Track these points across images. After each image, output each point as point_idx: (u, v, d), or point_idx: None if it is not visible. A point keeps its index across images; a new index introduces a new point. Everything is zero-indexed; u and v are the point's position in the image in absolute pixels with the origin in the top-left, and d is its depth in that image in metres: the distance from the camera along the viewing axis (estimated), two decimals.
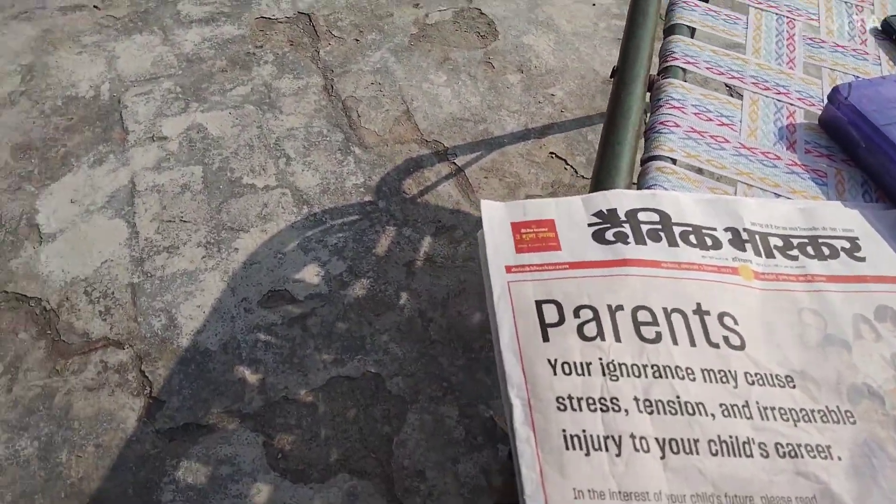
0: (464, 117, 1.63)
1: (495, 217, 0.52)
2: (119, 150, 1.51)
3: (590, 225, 0.51)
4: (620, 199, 0.53)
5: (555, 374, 0.42)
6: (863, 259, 0.54)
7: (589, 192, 0.56)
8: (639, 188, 0.60)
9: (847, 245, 0.54)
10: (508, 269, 0.48)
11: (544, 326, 0.44)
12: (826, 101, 0.66)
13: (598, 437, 0.40)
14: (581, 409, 0.41)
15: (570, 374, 0.42)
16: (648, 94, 0.72)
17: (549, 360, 0.43)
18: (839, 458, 0.41)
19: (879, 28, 0.80)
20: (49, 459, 1.06)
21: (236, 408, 1.12)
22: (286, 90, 1.67)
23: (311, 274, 1.29)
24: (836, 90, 0.65)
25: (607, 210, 0.52)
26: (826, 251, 0.53)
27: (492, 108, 1.65)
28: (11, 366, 1.16)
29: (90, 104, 1.61)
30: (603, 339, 0.44)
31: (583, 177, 1.53)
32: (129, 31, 1.80)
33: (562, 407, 0.41)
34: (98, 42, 1.77)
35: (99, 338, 1.20)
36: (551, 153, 1.57)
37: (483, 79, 1.73)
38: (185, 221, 1.38)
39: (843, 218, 0.56)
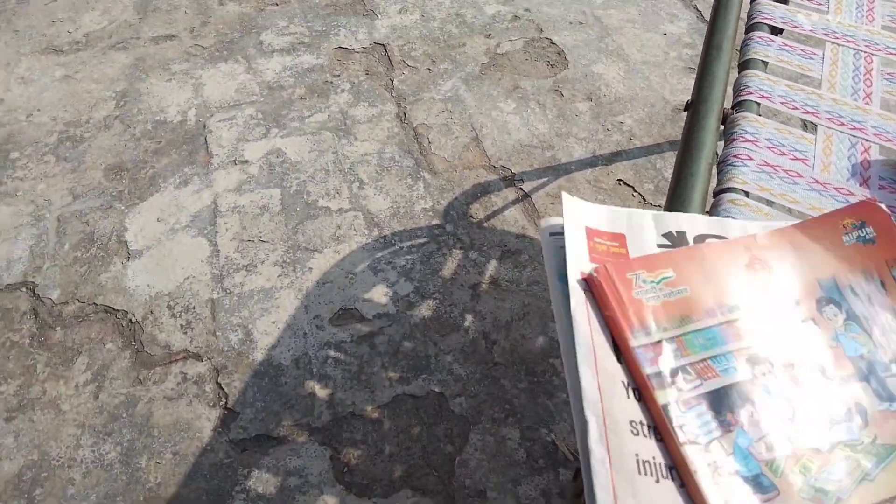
0: (532, 144, 1.65)
1: (574, 215, 0.51)
2: (203, 173, 1.59)
3: (659, 246, 0.52)
4: (692, 223, 0.54)
5: (628, 397, 0.43)
6: None
7: None
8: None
9: None
10: (585, 276, 0.48)
11: (616, 347, 0.45)
12: None
13: (666, 465, 0.41)
14: (650, 436, 0.42)
15: (640, 399, 0.44)
16: (722, 127, 0.72)
17: (622, 382, 0.44)
18: None
19: None
20: (130, 464, 1.12)
21: (306, 421, 1.16)
22: (361, 117, 1.73)
23: (379, 294, 1.33)
24: None
25: (677, 232, 0.53)
26: None
27: (560, 135, 1.67)
28: (98, 374, 1.23)
29: (177, 129, 1.71)
30: None
31: (651, 203, 1.52)
32: (215, 60, 1.91)
33: (634, 432, 0.42)
34: (186, 70, 1.87)
35: (179, 350, 1.27)
36: (619, 180, 1.57)
37: (552, 107, 1.75)
38: (263, 241, 1.44)
39: None
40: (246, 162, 1.62)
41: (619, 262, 0.49)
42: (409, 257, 1.40)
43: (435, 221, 1.48)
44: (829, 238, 0.52)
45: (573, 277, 0.48)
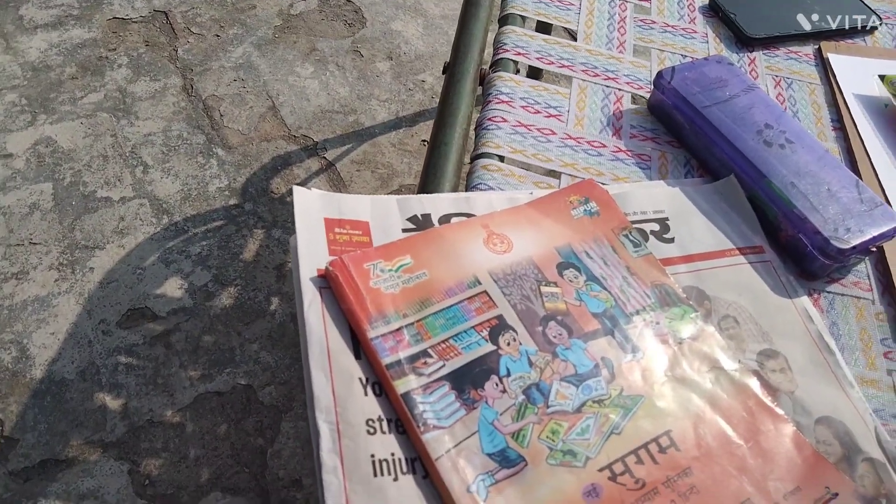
0: (333, 109, 1.59)
1: (309, 208, 0.48)
2: None
3: (404, 230, 0.49)
4: (435, 203, 0.52)
5: (366, 394, 0.41)
6: (671, 240, 0.55)
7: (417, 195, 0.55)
8: (467, 188, 0.59)
9: (657, 227, 0.56)
10: (321, 273, 0.45)
11: (356, 342, 0.42)
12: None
13: (409, 459, 0.39)
14: (389, 431, 0.40)
15: (381, 393, 0.41)
16: (482, 89, 0.71)
17: (360, 380, 0.41)
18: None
19: (707, 6, 0.82)
20: None
21: (98, 437, 1.05)
22: (142, 94, 1.57)
23: (173, 287, 1.23)
24: (660, 75, 0.66)
25: (422, 215, 0.51)
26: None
27: (362, 97, 1.62)
28: None
29: None
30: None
31: None
32: None
33: (371, 430, 0.39)
34: None
35: None
36: (423, 141, 1.55)
37: (352, 68, 1.69)
38: (34, 244, 1.28)
39: (656, 199, 0.58)
40: (9, 156, 1.42)
41: (357, 253, 0.45)
42: (204, 243, 1.30)
43: (232, 201, 1.38)
44: (559, 213, 0.53)
45: (306, 275, 0.44)
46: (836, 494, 0.43)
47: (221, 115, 1.54)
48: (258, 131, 1.52)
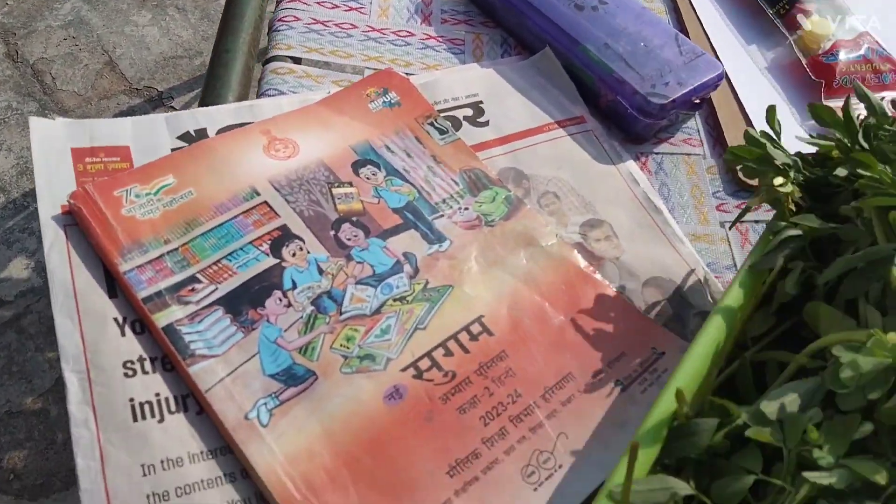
0: (176, 55, 1.47)
1: (50, 141, 0.42)
2: None
3: (174, 150, 0.43)
4: (213, 116, 0.46)
5: (123, 334, 0.36)
6: (486, 123, 0.51)
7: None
8: (258, 96, 0.53)
9: (470, 112, 0.52)
10: (66, 209, 0.39)
11: (111, 279, 0.37)
12: None
13: (178, 397, 0.34)
14: (154, 371, 0.35)
15: (143, 332, 0.36)
16: None
17: (115, 320, 0.36)
18: None
19: None
20: None
21: None
22: None
23: (19, 269, 1.13)
24: None
25: (195, 131, 0.45)
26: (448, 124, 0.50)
27: (206, 38, 1.51)
28: None
29: None
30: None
31: None
32: None
33: (130, 373, 0.34)
34: None
35: None
36: None
37: (193, 9, 1.57)
38: None
39: (469, 82, 0.54)
40: None
41: (104, 181, 0.40)
42: None
43: None
44: (355, 108, 0.49)
45: (47, 214, 0.39)
46: (664, 353, 0.42)
47: (54, 79, 1.41)
48: (96, 89, 1.40)
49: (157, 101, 1.38)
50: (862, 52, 0.60)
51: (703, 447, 0.29)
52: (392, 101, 0.49)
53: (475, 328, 0.40)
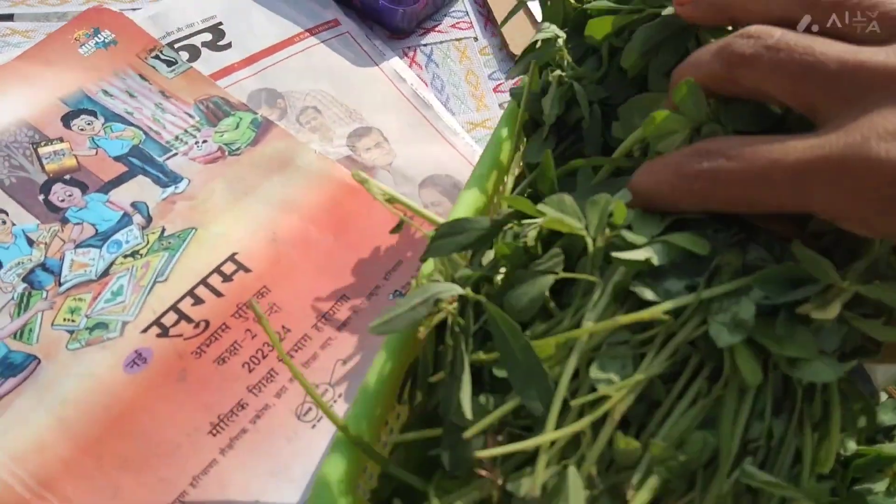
0: None
1: None
2: None
3: None
4: None
5: None
6: (228, 46, 0.46)
7: None
8: None
9: (209, 37, 0.46)
10: None
11: None
12: None
13: None
14: None
15: None
16: None
17: None
18: None
19: None
20: None
21: None
22: None
23: None
24: None
25: None
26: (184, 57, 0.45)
27: None
28: None
29: None
30: None
31: None
32: None
33: None
34: None
35: None
36: None
37: None
38: None
39: (205, 6, 0.48)
40: None
41: None
42: None
43: None
44: (64, 56, 0.43)
45: None
46: None
47: None
48: None
49: None
50: None
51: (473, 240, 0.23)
52: (106, 41, 0.44)
53: (228, 268, 0.36)
